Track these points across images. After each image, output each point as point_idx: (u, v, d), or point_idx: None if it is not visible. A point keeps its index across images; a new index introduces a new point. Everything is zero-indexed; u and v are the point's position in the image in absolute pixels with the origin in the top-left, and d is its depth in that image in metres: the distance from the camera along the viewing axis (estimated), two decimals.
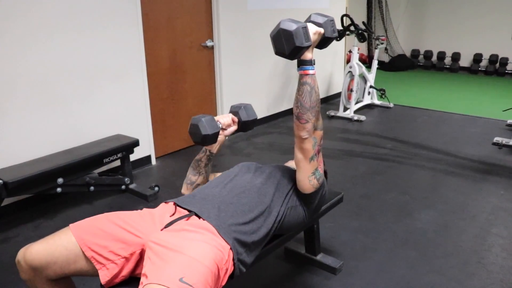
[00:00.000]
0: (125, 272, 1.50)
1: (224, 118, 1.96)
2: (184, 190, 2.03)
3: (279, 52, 1.56)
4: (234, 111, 2.00)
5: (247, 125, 2.00)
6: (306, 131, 1.62)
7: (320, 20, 1.66)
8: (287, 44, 1.50)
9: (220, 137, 1.95)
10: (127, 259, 1.48)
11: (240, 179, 1.77)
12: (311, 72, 1.59)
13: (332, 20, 1.70)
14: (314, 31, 1.60)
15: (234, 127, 2.00)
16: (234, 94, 4.73)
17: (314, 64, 1.60)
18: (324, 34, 1.65)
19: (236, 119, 1.99)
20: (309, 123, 1.61)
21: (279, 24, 1.51)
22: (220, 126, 1.91)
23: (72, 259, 1.46)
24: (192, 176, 2.01)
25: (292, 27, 1.48)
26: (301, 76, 1.60)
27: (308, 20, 1.68)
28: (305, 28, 1.52)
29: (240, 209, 1.60)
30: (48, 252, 1.44)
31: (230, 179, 1.78)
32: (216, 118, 1.90)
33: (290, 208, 1.75)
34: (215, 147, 1.99)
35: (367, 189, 3.43)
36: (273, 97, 5.37)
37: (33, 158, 3.04)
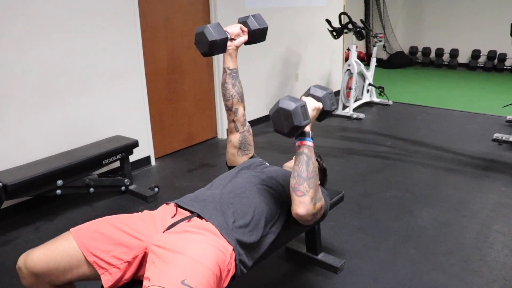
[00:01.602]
0: (128, 275, 1.49)
1: (232, 28, 1.89)
2: (229, 119, 2.00)
3: (277, 130, 1.53)
4: (243, 21, 1.91)
5: (257, 34, 1.91)
6: (303, 206, 1.50)
7: (319, 93, 1.64)
8: (286, 123, 1.47)
9: (231, 49, 1.89)
10: (129, 263, 1.47)
11: (240, 179, 1.77)
12: (309, 143, 1.55)
13: (331, 93, 1.68)
14: (313, 107, 1.59)
15: (244, 37, 1.93)
16: None
17: (312, 137, 1.57)
18: (323, 108, 1.64)
19: (245, 29, 1.91)
20: (307, 196, 1.50)
21: (278, 102, 1.48)
22: (228, 36, 1.84)
23: (74, 264, 1.44)
24: (227, 102, 1.98)
25: (290, 106, 1.45)
26: (298, 147, 1.55)
27: (308, 93, 1.67)
28: (304, 106, 1.49)
29: (241, 210, 1.59)
30: (49, 258, 1.42)
31: (230, 180, 1.77)
32: (224, 28, 1.83)
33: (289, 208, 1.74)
34: (230, 61, 1.92)
35: (367, 187, 3.42)
36: (272, 96, 5.37)
37: (32, 160, 3.03)
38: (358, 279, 2.29)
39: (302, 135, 1.55)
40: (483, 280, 2.26)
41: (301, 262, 2.46)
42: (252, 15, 1.93)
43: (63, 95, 3.24)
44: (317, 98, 1.63)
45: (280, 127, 1.49)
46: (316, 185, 1.54)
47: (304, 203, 1.51)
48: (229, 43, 1.88)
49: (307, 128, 1.57)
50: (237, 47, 1.94)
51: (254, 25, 1.90)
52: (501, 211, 2.98)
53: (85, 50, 3.32)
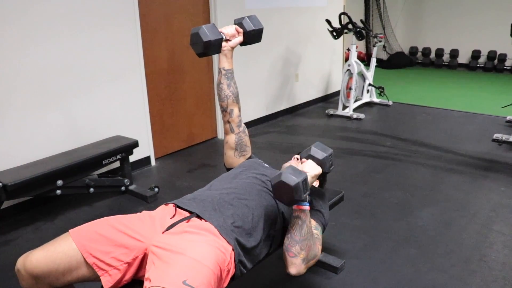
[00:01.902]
0: (128, 276, 1.49)
1: (227, 29, 1.91)
2: (224, 120, 2.01)
3: (278, 199, 1.55)
4: (238, 22, 1.93)
5: (252, 35, 1.92)
6: (294, 267, 1.55)
7: (320, 156, 1.67)
8: (286, 196, 1.49)
9: (226, 49, 1.90)
10: (129, 264, 1.47)
11: (241, 180, 1.76)
12: (305, 207, 1.57)
13: (331, 155, 1.71)
14: (312, 174, 1.61)
15: (239, 38, 1.94)
16: None
17: (309, 202, 1.59)
18: (322, 170, 1.67)
19: (240, 30, 1.93)
20: (298, 258, 1.54)
21: (280, 174, 1.49)
22: (224, 36, 1.85)
23: (74, 266, 1.44)
24: (222, 103, 2.00)
25: (292, 182, 1.46)
26: (295, 211, 1.57)
27: (308, 153, 1.69)
28: (305, 180, 1.50)
29: (240, 211, 1.59)
30: (48, 259, 1.41)
31: (230, 181, 1.77)
32: (219, 29, 1.85)
33: (289, 212, 1.75)
34: (225, 61, 1.93)
35: (367, 187, 3.42)
36: (272, 96, 5.37)
37: (32, 160, 3.03)
38: (358, 279, 2.29)
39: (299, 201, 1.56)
40: (483, 280, 2.25)
41: None
42: (248, 16, 1.94)
43: (63, 95, 3.24)
44: (317, 161, 1.66)
45: (280, 198, 1.53)
46: (308, 246, 1.57)
47: (295, 264, 1.55)
48: (224, 43, 1.89)
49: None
50: (233, 48, 1.95)
51: (250, 26, 1.91)
52: (501, 211, 2.98)
53: (85, 50, 3.32)
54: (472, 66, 8.54)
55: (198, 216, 1.54)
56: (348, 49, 5.63)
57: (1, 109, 2.92)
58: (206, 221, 1.51)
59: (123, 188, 3.35)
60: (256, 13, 5.05)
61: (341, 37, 5.72)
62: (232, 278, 1.48)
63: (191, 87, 4.38)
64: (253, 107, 5.09)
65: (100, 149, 3.20)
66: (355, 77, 5.48)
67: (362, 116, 5.38)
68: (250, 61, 4.91)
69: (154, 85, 3.99)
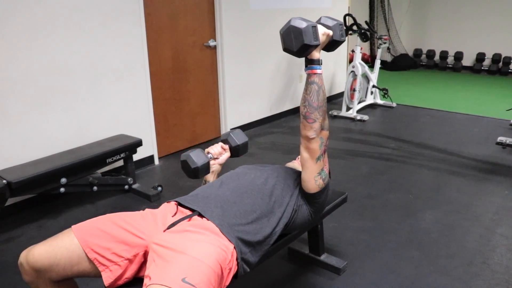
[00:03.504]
0: (129, 274, 1.49)
1: (214, 148, 2.02)
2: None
3: (287, 48, 1.58)
4: (223, 139, 2.06)
5: (238, 149, 2.04)
6: (313, 130, 1.61)
7: (330, 23, 1.69)
8: (296, 41, 1.52)
9: (215, 167, 2.01)
10: (130, 261, 1.48)
11: (243, 179, 1.77)
12: (318, 71, 1.60)
13: (342, 24, 1.72)
14: (323, 32, 1.62)
15: (226, 154, 2.04)
16: (236, 93, 4.73)
17: (321, 64, 1.61)
18: (332, 36, 1.68)
19: (226, 147, 2.04)
20: (317, 123, 1.61)
21: (289, 21, 1.53)
22: (211, 156, 1.98)
23: (75, 261, 1.45)
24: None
25: (302, 25, 1.51)
26: (309, 76, 1.61)
27: (318, 22, 1.70)
28: (315, 27, 1.54)
29: (243, 209, 1.60)
30: (50, 254, 1.43)
31: (233, 180, 1.78)
32: (206, 150, 1.98)
33: (294, 208, 1.75)
34: (211, 176, 2.03)
35: (370, 189, 3.42)
36: (276, 96, 5.37)
37: (36, 158, 3.04)
38: (361, 280, 2.29)
39: (311, 63, 1.59)
40: (486, 283, 2.25)
41: (303, 263, 2.46)
42: (231, 131, 2.06)
43: (67, 94, 3.25)
44: (327, 27, 1.67)
45: (290, 45, 1.54)
46: (324, 112, 1.63)
47: (314, 128, 1.61)
48: (212, 161, 1.99)
49: (316, 55, 1.61)
50: (221, 164, 2.05)
51: (234, 142, 2.03)
52: (505, 215, 2.97)
53: (90, 49, 3.33)
54: (476, 69, 8.51)
55: (200, 215, 1.55)
56: (353, 51, 5.64)
57: (6, 107, 2.94)
58: (207, 219, 1.52)
59: (126, 186, 3.36)
60: (260, 14, 5.09)
61: (346, 39, 5.71)
62: (235, 277, 1.48)
63: (195, 86, 4.39)
64: (257, 107, 5.09)
65: (104, 147, 3.21)
66: (359, 78, 5.48)
67: (365, 117, 5.37)
68: (254, 62, 4.91)
69: (158, 85, 4.00)
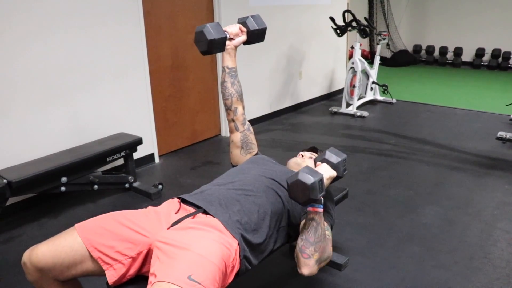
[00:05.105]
0: (132, 271, 1.49)
1: (231, 28, 1.93)
2: (229, 118, 2.04)
3: (293, 197, 1.55)
4: (242, 21, 1.95)
5: (256, 35, 1.95)
6: (308, 268, 1.54)
7: (334, 160, 1.69)
8: (303, 196, 1.50)
9: (229, 48, 1.93)
10: (134, 259, 1.48)
11: (248, 176, 1.76)
12: (319, 210, 1.56)
13: (345, 160, 1.73)
14: (327, 176, 1.61)
15: (243, 37, 1.96)
16: None
17: (322, 203, 1.58)
18: (336, 174, 1.67)
19: (244, 29, 1.95)
20: (311, 260, 1.53)
21: (297, 173, 1.50)
22: (228, 35, 1.88)
23: (79, 259, 1.45)
24: (226, 101, 2.02)
25: (309, 180, 1.47)
26: (309, 213, 1.56)
27: (323, 157, 1.70)
28: (321, 180, 1.51)
29: (247, 208, 1.60)
30: (54, 253, 1.43)
31: (238, 176, 1.77)
32: (223, 28, 1.88)
33: (294, 210, 1.75)
34: (229, 60, 1.96)
35: (371, 185, 3.42)
36: (275, 94, 5.37)
37: (36, 157, 3.04)
38: (362, 276, 2.29)
39: (314, 201, 1.55)
40: (487, 278, 2.25)
41: None
42: (252, 16, 1.97)
43: (67, 92, 3.25)
44: (331, 165, 1.67)
45: (296, 197, 1.53)
46: (322, 247, 1.55)
47: (308, 265, 1.54)
48: (228, 42, 1.91)
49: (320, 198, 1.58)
50: (236, 47, 1.98)
51: (253, 26, 1.93)
52: (505, 209, 2.98)
53: (89, 48, 3.33)
54: (476, 64, 8.50)
55: (204, 211, 1.55)
56: (352, 47, 5.62)
57: (6, 106, 2.94)
58: (212, 216, 1.52)
59: (127, 185, 3.36)
60: (259, 11, 5.07)
61: (345, 35, 5.71)
62: (237, 274, 1.49)
63: (195, 84, 4.39)
64: (257, 104, 5.08)
65: (104, 146, 3.21)
66: (358, 75, 5.47)
67: (365, 114, 5.37)
68: (254, 59, 4.91)
69: (158, 83, 4.00)
